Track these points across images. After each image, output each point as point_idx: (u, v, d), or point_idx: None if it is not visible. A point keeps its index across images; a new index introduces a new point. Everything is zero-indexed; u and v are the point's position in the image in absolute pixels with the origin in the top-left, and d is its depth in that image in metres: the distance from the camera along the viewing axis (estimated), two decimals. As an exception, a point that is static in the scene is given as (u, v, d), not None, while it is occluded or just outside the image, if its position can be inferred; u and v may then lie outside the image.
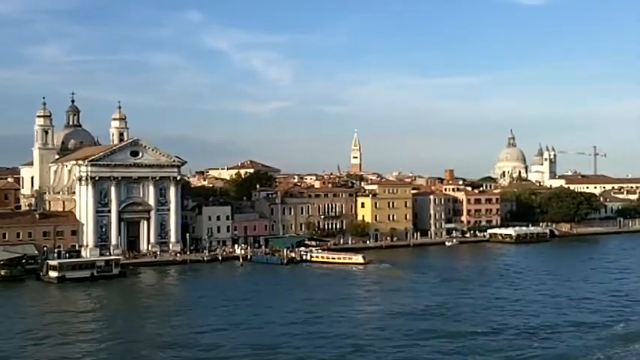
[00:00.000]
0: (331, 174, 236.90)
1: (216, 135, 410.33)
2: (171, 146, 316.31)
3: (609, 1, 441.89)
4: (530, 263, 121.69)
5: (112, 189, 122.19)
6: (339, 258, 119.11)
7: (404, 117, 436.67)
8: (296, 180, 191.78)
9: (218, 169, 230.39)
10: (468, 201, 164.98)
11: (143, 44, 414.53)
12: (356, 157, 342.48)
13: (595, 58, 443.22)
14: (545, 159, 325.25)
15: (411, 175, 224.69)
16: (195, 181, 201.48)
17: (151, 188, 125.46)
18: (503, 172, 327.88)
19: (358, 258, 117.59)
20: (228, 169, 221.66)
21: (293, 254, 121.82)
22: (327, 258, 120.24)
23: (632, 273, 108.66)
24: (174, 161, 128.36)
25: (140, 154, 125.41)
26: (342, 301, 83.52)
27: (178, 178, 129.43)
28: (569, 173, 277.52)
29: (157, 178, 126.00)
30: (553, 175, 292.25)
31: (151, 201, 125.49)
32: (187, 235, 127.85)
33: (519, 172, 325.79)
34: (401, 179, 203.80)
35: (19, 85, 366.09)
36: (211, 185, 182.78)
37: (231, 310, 77.72)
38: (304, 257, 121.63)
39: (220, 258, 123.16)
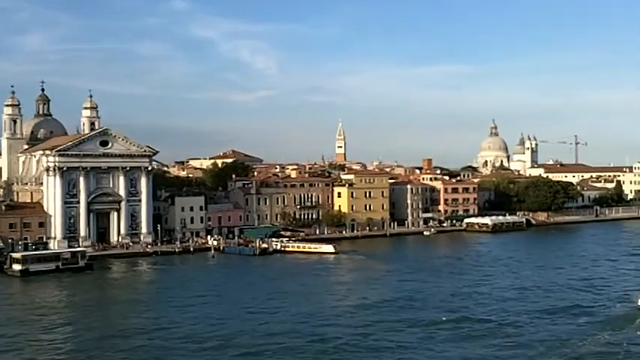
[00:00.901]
0: (315, 164, 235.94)
1: (203, 124, 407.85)
2: (156, 136, 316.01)
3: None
4: (504, 252, 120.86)
5: (81, 179, 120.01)
6: (309, 248, 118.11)
7: (389, 107, 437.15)
8: (277, 170, 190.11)
9: (200, 159, 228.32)
10: (446, 190, 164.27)
11: (130, 33, 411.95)
12: (340, 147, 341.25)
13: (578, 49, 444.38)
14: (527, 148, 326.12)
15: (395, 164, 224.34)
16: (176, 171, 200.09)
17: (122, 178, 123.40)
18: (486, 161, 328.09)
19: (329, 248, 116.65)
20: (210, 158, 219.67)
21: (265, 245, 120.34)
22: (299, 248, 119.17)
23: (599, 262, 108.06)
24: (145, 151, 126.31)
25: (110, 144, 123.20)
26: (306, 291, 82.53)
27: (150, 168, 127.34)
28: (551, 162, 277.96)
29: (128, 169, 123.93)
30: (535, 164, 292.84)
31: (122, 191, 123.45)
32: (160, 226, 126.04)
33: (501, 161, 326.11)
34: (381, 169, 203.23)
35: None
36: (190, 175, 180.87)
37: (191, 303, 76.18)
38: (277, 248, 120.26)
39: (192, 249, 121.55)
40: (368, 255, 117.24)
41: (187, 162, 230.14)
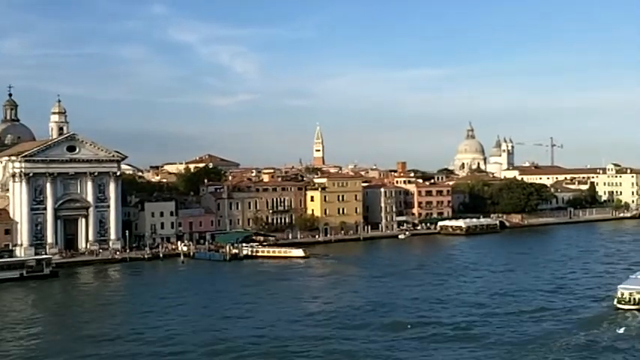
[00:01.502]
0: (292, 167, 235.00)
1: (182, 129, 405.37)
2: (134, 140, 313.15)
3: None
4: (475, 256, 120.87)
5: (48, 185, 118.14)
6: (280, 252, 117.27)
7: (367, 110, 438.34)
8: (253, 174, 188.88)
9: (176, 163, 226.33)
10: (419, 193, 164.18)
11: (109, 38, 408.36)
12: (319, 151, 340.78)
13: (554, 52, 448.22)
14: (503, 150, 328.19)
15: (369, 167, 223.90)
16: (150, 176, 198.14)
17: (90, 184, 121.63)
18: (463, 163, 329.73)
19: (299, 252, 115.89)
20: (186, 163, 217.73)
21: (236, 250, 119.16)
22: (270, 253, 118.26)
23: (566, 265, 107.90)
24: (113, 156, 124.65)
25: (77, 149, 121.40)
26: (271, 297, 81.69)
27: (118, 173, 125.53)
28: (527, 164, 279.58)
29: (96, 174, 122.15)
30: (511, 166, 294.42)
31: (90, 197, 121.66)
32: (129, 232, 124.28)
33: (478, 163, 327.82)
34: (356, 172, 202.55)
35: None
36: (164, 180, 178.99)
37: (153, 310, 75.08)
38: (247, 253, 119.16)
39: (162, 255, 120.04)
40: (339, 259, 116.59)
41: (162, 167, 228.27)
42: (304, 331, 63.93)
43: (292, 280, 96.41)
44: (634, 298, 70.04)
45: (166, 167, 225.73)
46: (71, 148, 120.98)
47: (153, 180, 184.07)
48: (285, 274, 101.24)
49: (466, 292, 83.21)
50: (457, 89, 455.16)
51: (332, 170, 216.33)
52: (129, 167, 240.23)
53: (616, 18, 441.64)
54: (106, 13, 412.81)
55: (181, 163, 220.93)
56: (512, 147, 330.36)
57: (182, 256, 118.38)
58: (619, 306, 70.42)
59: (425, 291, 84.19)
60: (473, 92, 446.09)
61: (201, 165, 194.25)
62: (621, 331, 62.11)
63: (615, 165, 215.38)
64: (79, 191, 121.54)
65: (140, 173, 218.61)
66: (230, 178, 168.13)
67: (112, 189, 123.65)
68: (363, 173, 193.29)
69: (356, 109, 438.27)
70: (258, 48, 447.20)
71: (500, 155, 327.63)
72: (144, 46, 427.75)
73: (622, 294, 71.22)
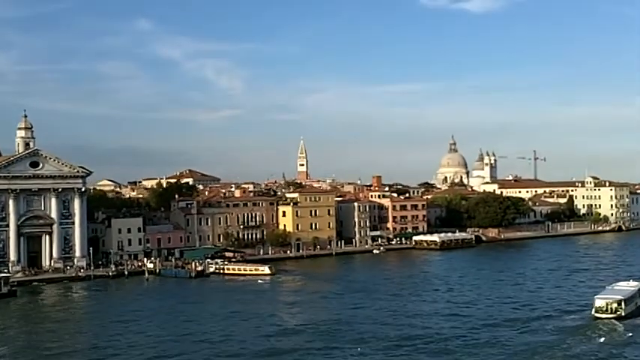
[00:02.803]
0: (275, 182, 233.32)
1: (165, 144, 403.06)
2: (117, 156, 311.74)
3: (552, 9, 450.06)
4: (445, 271, 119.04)
5: (10, 202, 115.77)
6: (245, 269, 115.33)
7: (352, 124, 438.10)
8: (233, 189, 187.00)
9: (156, 178, 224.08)
10: (394, 207, 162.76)
11: (93, 54, 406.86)
12: (302, 165, 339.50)
13: (536, 66, 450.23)
14: (486, 164, 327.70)
15: (349, 182, 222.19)
16: (128, 192, 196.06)
17: (54, 200, 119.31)
18: (445, 177, 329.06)
19: (265, 269, 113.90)
20: (167, 178, 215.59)
21: (201, 267, 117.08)
22: (235, 270, 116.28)
23: (541, 278, 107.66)
24: (77, 172, 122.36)
25: (40, 165, 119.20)
26: (226, 316, 79.76)
27: (83, 189, 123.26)
28: (510, 178, 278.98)
29: (60, 190, 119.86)
30: (494, 179, 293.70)
31: (54, 214, 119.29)
32: (97, 249, 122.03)
33: (461, 177, 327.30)
34: (334, 186, 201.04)
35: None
36: (140, 196, 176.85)
37: (98, 332, 73.20)
38: (213, 270, 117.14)
39: (127, 273, 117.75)
40: (307, 275, 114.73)
41: (140, 182, 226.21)
42: (250, 353, 62.00)
43: (253, 297, 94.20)
44: (611, 308, 71.55)
45: (144, 182, 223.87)
46: (34, 164, 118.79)
47: (129, 195, 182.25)
48: (247, 291, 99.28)
49: (430, 310, 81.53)
50: (439, 104, 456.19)
51: (315, 185, 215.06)
52: (110, 182, 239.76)
53: (596, 33, 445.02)
54: (90, 29, 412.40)
55: (162, 179, 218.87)
56: (495, 160, 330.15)
57: (146, 274, 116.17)
58: (597, 315, 71.67)
59: (389, 308, 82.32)
60: (455, 107, 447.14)
61: (183, 180, 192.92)
62: (601, 340, 63.56)
63: (594, 178, 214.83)
64: (42, 207, 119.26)
65: (118, 189, 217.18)
66: (207, 193, 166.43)
67: (76, 205, 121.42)
68: (340, 187, 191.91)
69: (340, 124, 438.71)
70: (243, 63, 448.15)
71: (482, 169, 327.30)
72: (128, 62, 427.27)
73: (599, 304, 72.45)
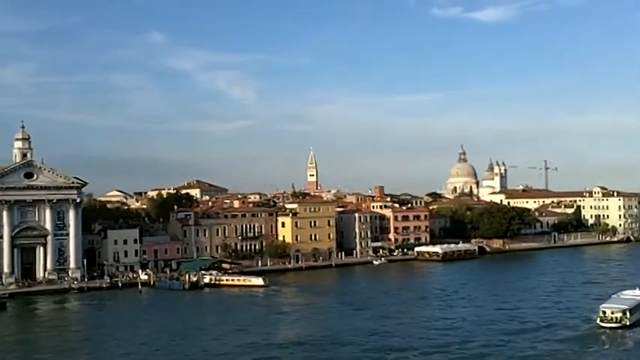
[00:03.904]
0: (284, 192, 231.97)
1: (177, 155, 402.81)
2: (129, 167, 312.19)
3: (561, 18, 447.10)
4: (446, 285, 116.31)
5: (4, 213, 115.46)
6: (239, 281, 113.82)
7: (362, 134, 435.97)
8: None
9: (164, 189, 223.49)
10: (395, 218, 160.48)
11: (105, 66, 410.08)
12: (312, 175, 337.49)
13: (549, 75, 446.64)
14: (496, 174, 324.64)
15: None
16: (133, 202, 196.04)
17: (48, 212, 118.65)
18: (455, 187, 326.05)
19: (259, 281, 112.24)
20: (175, 189, 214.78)
21: (195, 279, 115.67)
22: (229, 281, 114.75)
23: (546, 289, 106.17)
24: (72, 183, 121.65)
25: (35, 176, 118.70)
26: (213, 329, 78.20)
27: (78, 200, 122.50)
28: (521, 188, 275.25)
29: (54, 201, 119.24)
30: (504, 189, 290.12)
31: (48, 225, 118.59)
32: (93, 260, 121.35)
33: (470, 187, 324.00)
34: (339, 197, 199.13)
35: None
36: (144, 207, 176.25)
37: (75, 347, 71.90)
38: (208, 281, 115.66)
39: (120, 284, 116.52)
40: (302, 287, 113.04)
41: (145, 193, 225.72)
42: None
43: (244, 310, 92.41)
44: (615, 317, 72.52)
45: (150, 193, 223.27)
46: (29, 175, 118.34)
47: (134, 206, 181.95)
48: (240, 303, 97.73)
49: (414, 324, 79.44)
50: (449, 113, 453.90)
51: (324, 195, 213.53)
52: (119, 193, 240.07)
53: (607, 42, 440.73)
54: (103, 42, 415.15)
55: (170, 189, 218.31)
56: (505, 170, 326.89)
57: (140, 286, 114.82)
58: (602, 324, 72.76)
59: (378, 323, 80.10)
60: (465, 116, 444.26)
61: (191, 191, 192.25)
62: (606, 349, 64.85)
63: (602, 188, 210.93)
64: (36, 219, 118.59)
65: (124, 199, 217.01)
66: (210, 204, 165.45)
67: (71, 216, 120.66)
68: (343, 198, 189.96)
69: (350, 134, 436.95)
70: (255, 74, 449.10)
71: (492, 179, 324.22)
72: (141, 74, 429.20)
73: (604, 313, 73.37)
